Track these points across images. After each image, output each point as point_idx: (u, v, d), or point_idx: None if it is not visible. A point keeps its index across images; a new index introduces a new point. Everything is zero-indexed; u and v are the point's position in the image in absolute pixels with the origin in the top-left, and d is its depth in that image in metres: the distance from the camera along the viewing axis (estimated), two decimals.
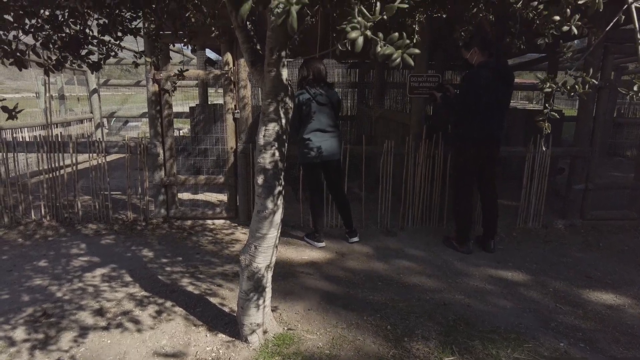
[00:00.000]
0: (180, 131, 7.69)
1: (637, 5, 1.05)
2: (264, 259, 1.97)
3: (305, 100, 3.18)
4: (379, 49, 0.72)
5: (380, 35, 0.73)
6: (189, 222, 3.97)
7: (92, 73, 2.08)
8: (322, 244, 3.47)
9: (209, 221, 3.99)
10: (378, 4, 0.72)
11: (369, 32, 0.70)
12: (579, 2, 1.09)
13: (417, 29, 2.52)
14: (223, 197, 4.51)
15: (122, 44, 2.14)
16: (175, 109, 7.74)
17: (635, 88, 1.30)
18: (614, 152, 7.92)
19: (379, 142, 4.14)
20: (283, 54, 1.81)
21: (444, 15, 2.13)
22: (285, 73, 1.86)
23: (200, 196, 4.83)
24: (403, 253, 3.43)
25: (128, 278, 2.88)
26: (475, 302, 2.66)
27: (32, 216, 3.94)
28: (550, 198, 4.49)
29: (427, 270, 3.11)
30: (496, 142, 3.39)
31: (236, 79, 3.76)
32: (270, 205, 1.87)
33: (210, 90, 8.13)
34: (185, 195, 4.77)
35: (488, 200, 3.49)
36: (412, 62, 0.73)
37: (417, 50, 0.73)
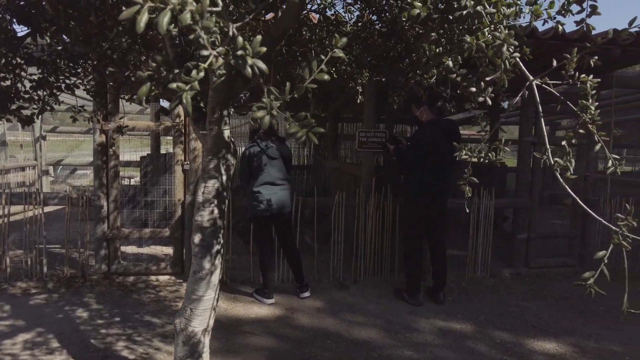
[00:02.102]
0: (132, 179, 7.44)
1: (538, 82, 1.16)
2: (201, 322, 1.87)
3: (255, 153, 3.19)
4: (287, 126, 0.75)
5: (288, 114, 0.75)
6: (131, 279, 3.74)
7: (23, 127, 2.00)
8: (272, 301, 3.36)
9: (153, 277, 3.79)
10: (288, 84, 0.76)
11: (275, 112, 0.72)
12: (487, 79, 1.19)
13: (360, 90, 2.65)
14: (170, 250, 4.31)
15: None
16: (129, 157, 7.53)
17: (547, 153, 1.41)
18: (557, 201, 8.38)
19: (334, 193, 4.20)
20: (225, 112, 1.83)
21: (384, 79, 2.26)
22: (227, 131, 1.87)
23: (147, 249, 4.61)
24: (354, 307, 3.38)
25: (55, 344, 2.63)
26: (424, 358, 2.63)
27: None
28: (499, 246, 4.66)
29: (377, 325, 3.06)
30: (444, 197, 3.52)
31: (187, 130, 3.74)
32: (207, 265, 1.80)
33: (169, 138, 8.00)
34: (130, 249, 4.53)
35: (437, 252, 3.56)
36: (316, 140, 0.76)
37: (321, 129, 0.76)
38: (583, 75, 1.22)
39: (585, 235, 4.41)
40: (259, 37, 0.64)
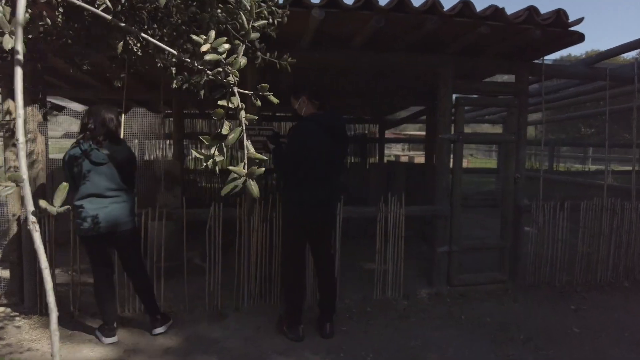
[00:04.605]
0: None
1: None
2: None
3: (75, 157, 2.51)
4: None
5: None
6: None
7: None
8: (112, 339, 2.68)
9: None
10: None
11: None
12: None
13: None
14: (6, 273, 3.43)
15: None
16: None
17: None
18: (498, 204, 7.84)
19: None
20: None
21: None
22: None
23: None
24: (216, 345, 2.73)
25: None
26: None
27: None
28: (427, 259, 4.07)
29: None
30: (329, 207, 2.92)
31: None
32: None
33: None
34: None
35: (323, 275, 2.93)
36: None
37: None
38: None
39: (517, 246, 3.84)
40: None
